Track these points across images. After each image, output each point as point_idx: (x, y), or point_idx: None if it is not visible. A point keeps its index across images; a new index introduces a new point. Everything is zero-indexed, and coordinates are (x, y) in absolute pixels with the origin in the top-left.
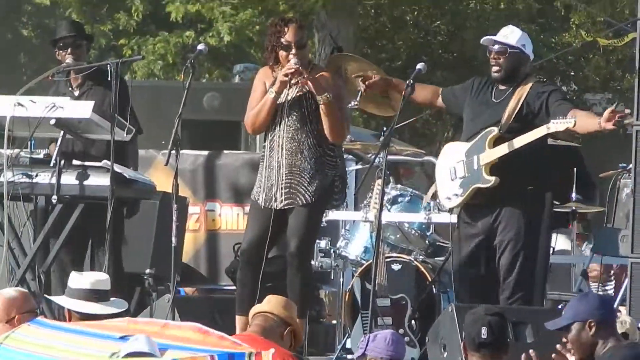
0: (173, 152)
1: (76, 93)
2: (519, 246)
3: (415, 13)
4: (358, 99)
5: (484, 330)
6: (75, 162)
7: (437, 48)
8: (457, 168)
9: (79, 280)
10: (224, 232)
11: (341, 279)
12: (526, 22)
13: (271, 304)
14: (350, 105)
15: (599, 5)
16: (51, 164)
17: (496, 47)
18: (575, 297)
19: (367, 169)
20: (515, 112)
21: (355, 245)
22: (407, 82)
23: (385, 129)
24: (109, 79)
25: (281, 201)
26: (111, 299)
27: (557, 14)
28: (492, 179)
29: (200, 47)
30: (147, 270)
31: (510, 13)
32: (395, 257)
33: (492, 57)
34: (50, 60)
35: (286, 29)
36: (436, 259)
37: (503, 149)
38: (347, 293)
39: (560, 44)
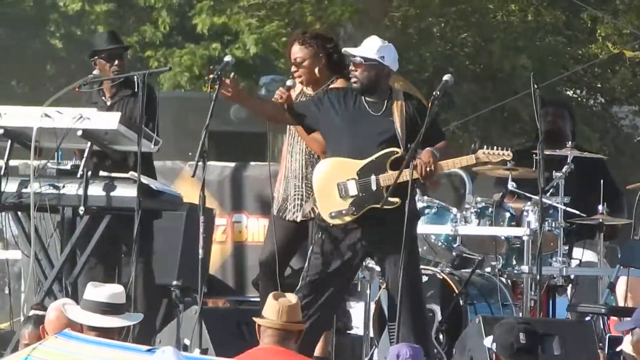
0: (200, 163)
1: (108, 102)
2: (404, 263)
3: (442, 25)
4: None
5: (522, 336)
6: (102, 173)
7: (463, 60)
8: (348, 186)
9: (95, 292)
10: (251, 243)
11: (368, 291)
12: (553, 34)
13: (275, 313)
14: None
15: (626, 17)
16: (78, 175)
17: (355, 59)
18: None
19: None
20: (406, 130)
21: None
22: (434, 93)
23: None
24: (136, 90)
25: (293, 212)
26: (126, 312)
27: (584, 26)
28: (396, 200)
29: (227, 58)
30: (174, 282)
31: (537, 25)
32: (422, 269)
33: (350, 68)
34: (78, 70)
35: (290, 46)
36: (463, 271)
37: (410, 174)
38: (375, 305)
39: (586, 56)
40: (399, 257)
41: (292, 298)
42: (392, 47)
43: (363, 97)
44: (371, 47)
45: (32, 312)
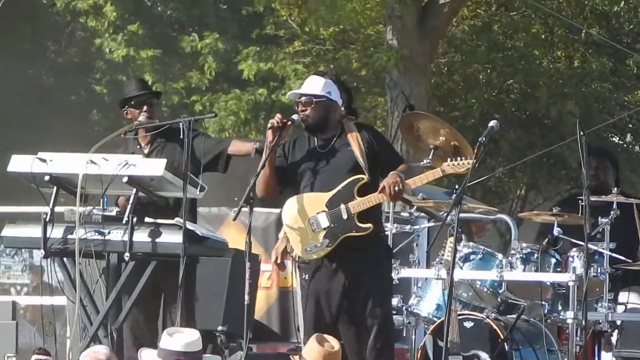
0: (246, 209)
1: (145, 151)
2: (382, 293)
3: (488, 71)
4: (430, 157)
5: None
6: (147, 219)
7: (510, 106)
8: (319, 219)
9: (171, 341)
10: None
11: (413, 337)
12: (599, 81)
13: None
14: (422, 163)
15: None
16: (123, 222)
17: (302, 99)
18: None
19: (439, 226)
20: (366, 157)
21: (428, 302)
22: (480, 139)
23: (457, 186)
24: (181, 136)
25: None
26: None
27: (630, 73)
28: (368, 225)
29: (294, 117)
30: (220, 328)
31: (583, 71)
32: (468, 314)
33: (300, 109)
34: (122, 116)
35: None
36: (508, 316)
37: (379, 197)
38: (420, 350)
39: (632, 102)
40: (374, 287)
41: (335, 344)
42: (333, 83)
43: (315, 138)
44: (317, 85)
45: (34, 357)
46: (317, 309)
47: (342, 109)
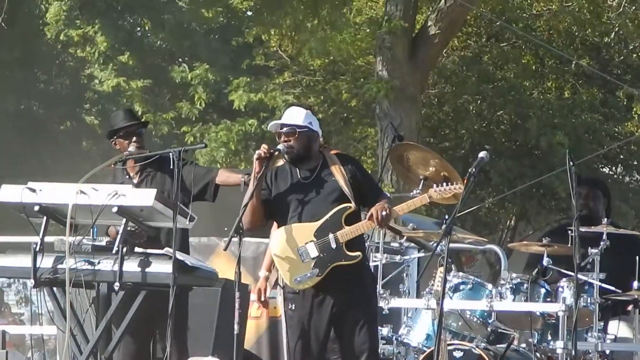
0: (235, 239)
1: (135, 181)
2: (370, 321)
3: (479, 102)
4: (420, 187)
5: None
6: (137, 249)
7: (500, 137)
8: (308, 249)
9: None
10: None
11: None
12: (589, 112)
13: None
14: (412, 193)
15: None
16: (113, 251)
17: (285, 129)
18: None
19: (429, 256)
20: (351, 187)
21: (418, 332)
22: (470, 170)
23: (447, 217)
24: (171, 166)
25: None
26: None
27: (620, 104)
28: (357, 254)
29: (280, 147)
30: (210, 357)
31: (573, 102)
32: (458, 344)
33: (282, 140)
34: (113, 147)
35: None
36: (498, 346)
37: (367, 225)
38: None
39: (622, 133)
40: (362, 316)
41: None
42: (312, 114)
43: (297, 169)
44: (299, 116)
45: None
46: (304, 339)
47: (321, 139)
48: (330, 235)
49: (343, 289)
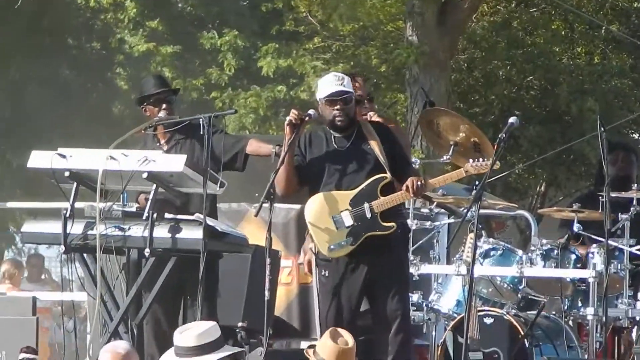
0: (266, 205)
1: (165, 147)
2: (401, 288)
3: (508, 68)
4: (451, 153)
5: None
6: (167, 215)
7: (529, 103)
8: (343, 217)
9: (182, 338)
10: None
11: (433, 333)
12: (619, 77)
13: (330, 355)
14: (442, 159)
15: None
16: (143, 217)
17: (344, 96)
18: None
19: (459, 222)
20: (386, 155)
21: (448, 298)
22: (500, 136)
23: (477, 183)
24: (201, 132)
25: None
26: (225, 345)
27: None
28: (391, 224)
29: (311, 112)
30: (240, 324)
31: (603, 68)
32: (488, 310)
33: (338, 107)
34: (143, 112)
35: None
36: (528, 312)
37: (403, 196)
38: (440, 347)
39: None
40: (394, 283)
41: (349, 340)
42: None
43: (332, 135)
44: (349, 82)
45: (21, 356)
46: (337, 305)
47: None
48: (366, 205)
49: (376, 257)
